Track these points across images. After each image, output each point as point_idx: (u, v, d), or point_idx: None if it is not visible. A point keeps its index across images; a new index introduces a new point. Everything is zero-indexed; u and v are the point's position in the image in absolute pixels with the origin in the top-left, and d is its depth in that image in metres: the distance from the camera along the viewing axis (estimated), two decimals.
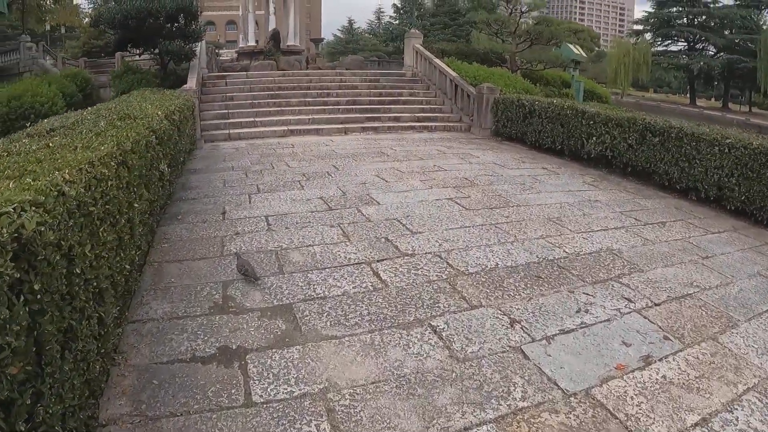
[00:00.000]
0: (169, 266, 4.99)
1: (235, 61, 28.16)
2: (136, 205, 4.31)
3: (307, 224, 6.10)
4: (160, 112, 6.65)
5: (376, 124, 14.00)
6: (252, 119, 13.46)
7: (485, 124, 14.25)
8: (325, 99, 15.11)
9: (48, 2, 23.51)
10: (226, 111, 13.84)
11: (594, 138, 10.46)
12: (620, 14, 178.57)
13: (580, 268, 5.09)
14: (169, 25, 13.58)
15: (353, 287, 4.49)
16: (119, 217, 3.66)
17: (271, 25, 28.86)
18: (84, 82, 16.86)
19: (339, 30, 73.09)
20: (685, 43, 59.39)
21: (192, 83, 12.90)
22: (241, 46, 30.34)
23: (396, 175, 8.64)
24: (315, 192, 7.51)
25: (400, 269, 4.86)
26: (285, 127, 13.11)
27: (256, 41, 27.86)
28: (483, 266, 4.99)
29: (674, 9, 58.81)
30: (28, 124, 6.46)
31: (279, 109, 14.19)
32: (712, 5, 56.99)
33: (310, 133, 13.08)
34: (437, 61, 17.05)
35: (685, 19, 58.13)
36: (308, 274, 4.73)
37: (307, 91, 15.43)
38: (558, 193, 8.12)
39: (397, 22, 68.05)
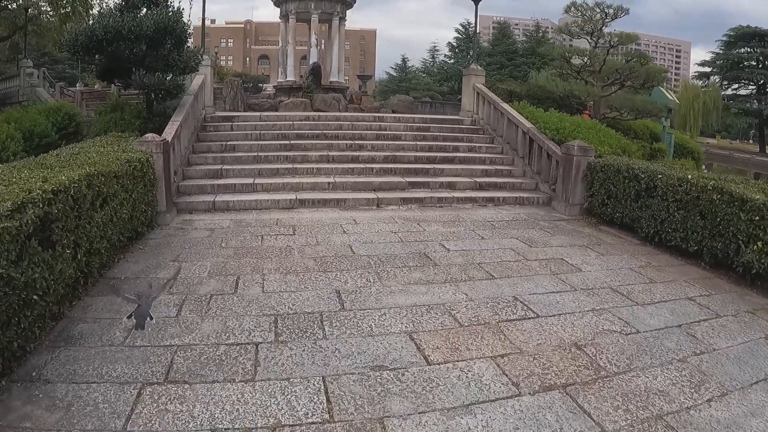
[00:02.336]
0: None
1: (272, 97, 25.13)
2: None
3: None
4: None
5: (421, 194, 10.04)
6: (251, 181, 9.78)
7: (574, 198, 10.10)
8: (356, 153, 11.34)
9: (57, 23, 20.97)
10: (220, 167, 10.23)
11: (759, 243, 6.26)
12: (677, 56, 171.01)
13: None
14: (154, 51, 10.17)
15: None
16: None
17: (313, 59, 25.76)
18: (67, 118, 13.72)
19: (392, 68, 70.36)
20: (755, 87, 53.94)
21: (171, 129, 9.38)
22: (279, 81, 27.34)
23: (448, 338, 4.51)
24: (269, 404, 3.52)
25: None
26: (293, 196, 9.33)
27: (301, 76, 24.66)
28: None
29: (743, 50, 53.67)
30: None
31: (291, 166, 10.48)
32: None
33: (328, 206, 9.24)
34: (504, 106, 13.11)
35: (754, 60, 52.87)
36: None
37: (334, 142, 11.73)
38: (764, 395, 3.92)
39: (452, 61, 64.98)
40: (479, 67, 15.23)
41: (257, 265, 6.19)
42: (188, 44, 10.70)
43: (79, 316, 4.87)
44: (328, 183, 9.85)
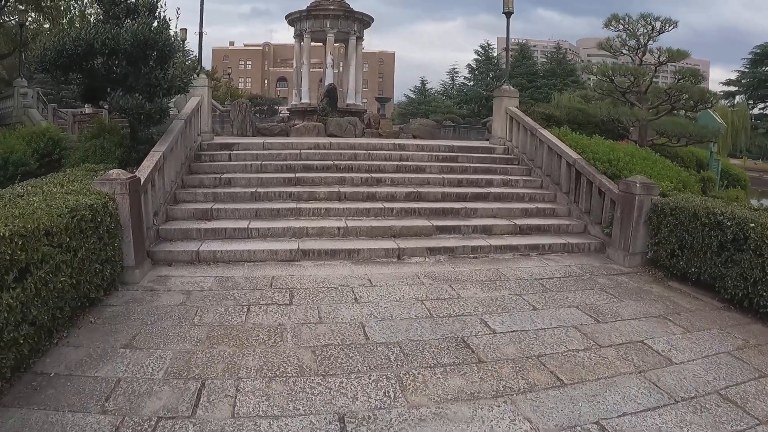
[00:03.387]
0: None
1: (286, 120, 23.74)
2: None
3: None
4: None
5: (452, 242, 8.28)
6: (246, 224, 8.12)
7: (634, 246, 8.31)
8: (373, 189, 9.64)
9: None
10: (211, 206, 8.60)
11: None
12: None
13: None
14: (137, 69, 8.68)
15: None
16: None
17: (329, 80, 24.33)
18: (51, 144, 12.25)
19: (411, 90, 68.83)
20: None
21: (150, 162, 7.81)
22: (293, 103, 25.96)
23: None
24: None
25: None
26: (295, 245, 7.65)
27: (320, 99, 23.26)
28: None
29: None
30: None
31: (295, 206, 8.81)
32: None
33: (337, 259, 7.51)
34: (544, 132, 11.40)
35: None
36: None
37: (347, 175, 10.06)
38: None
39: (471, 83, 63.54)
40: (512, 88, 13.55)
41: (233, 361, 4.47)
42: (186, 60, 9.14)
43: None
44: (338, 228, 8.15)
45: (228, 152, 10.63)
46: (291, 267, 7.16)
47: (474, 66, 64.55)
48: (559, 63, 64.46)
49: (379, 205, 9.01)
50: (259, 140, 11.70)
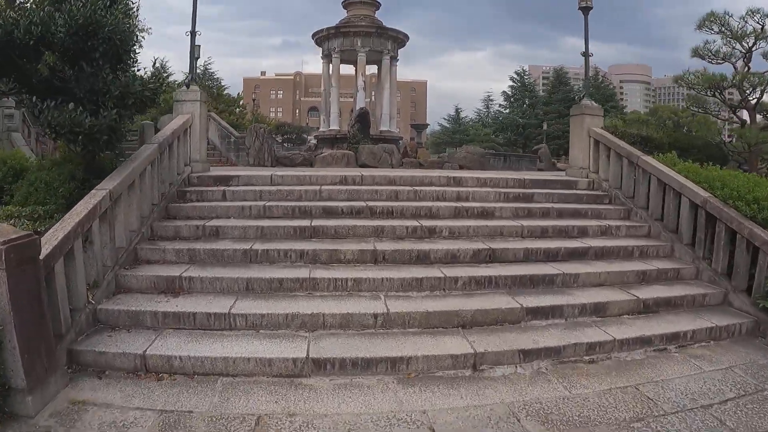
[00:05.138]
0: None
1: (313, 149, 21.17)
2: None
3: None
4: None
5: (553, 335, 5.14)
6: (228, 306, 5.17)
7: None
8: (426, 246, 6.60)
9: None
10: (182, 271, 5.72)
11: None
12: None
13: None
14: (77, 68, 5.99)
15: None
16: None
17: (360, 104, 21.74)
18: (12, 174, 9.62)
19: (445, 119, 66.51)
20: None
21: (83, 207, 5.04)
22: (321, 130, 23.43)
23: None
24: None
25: None
26: (303, 348, 4.63)
27: (351, 125, 20.67)
28: None
29: None
30: None
31: (307, 274, 5.83)
32: None
33: (373, 373, 4.48)
34: (648, 160, 8.38)
35: None
36: None
37: (386, 223, 7.07)
38: None
39: (507, 110, 61.16)
40: (594, 104, 10.48)
41: None
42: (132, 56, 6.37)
43: None
44: (375, 315, 5.09)
45: (223, 188, 7.82)
46: (293, 392, 4.16)
47: (510, 93, 62.29)
48: (597, 88, 61.37)
49: (435, 271, 5.97)
50: (268, 172, 8.85)
